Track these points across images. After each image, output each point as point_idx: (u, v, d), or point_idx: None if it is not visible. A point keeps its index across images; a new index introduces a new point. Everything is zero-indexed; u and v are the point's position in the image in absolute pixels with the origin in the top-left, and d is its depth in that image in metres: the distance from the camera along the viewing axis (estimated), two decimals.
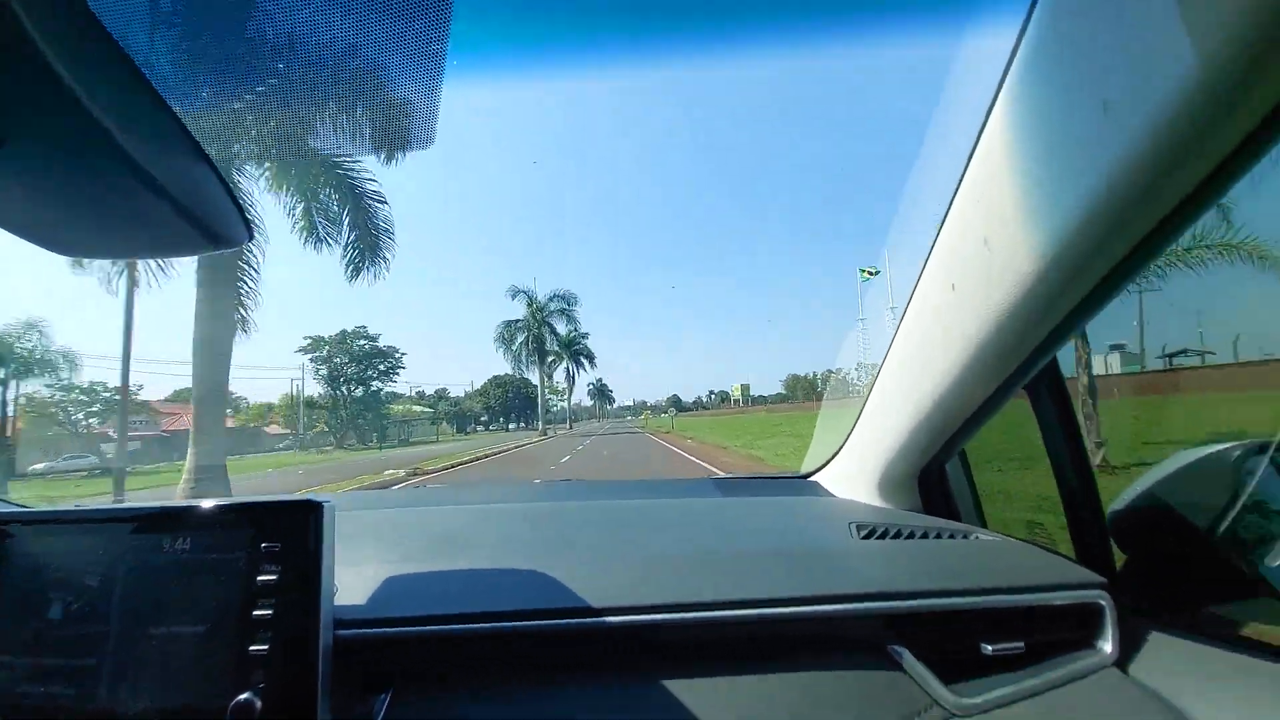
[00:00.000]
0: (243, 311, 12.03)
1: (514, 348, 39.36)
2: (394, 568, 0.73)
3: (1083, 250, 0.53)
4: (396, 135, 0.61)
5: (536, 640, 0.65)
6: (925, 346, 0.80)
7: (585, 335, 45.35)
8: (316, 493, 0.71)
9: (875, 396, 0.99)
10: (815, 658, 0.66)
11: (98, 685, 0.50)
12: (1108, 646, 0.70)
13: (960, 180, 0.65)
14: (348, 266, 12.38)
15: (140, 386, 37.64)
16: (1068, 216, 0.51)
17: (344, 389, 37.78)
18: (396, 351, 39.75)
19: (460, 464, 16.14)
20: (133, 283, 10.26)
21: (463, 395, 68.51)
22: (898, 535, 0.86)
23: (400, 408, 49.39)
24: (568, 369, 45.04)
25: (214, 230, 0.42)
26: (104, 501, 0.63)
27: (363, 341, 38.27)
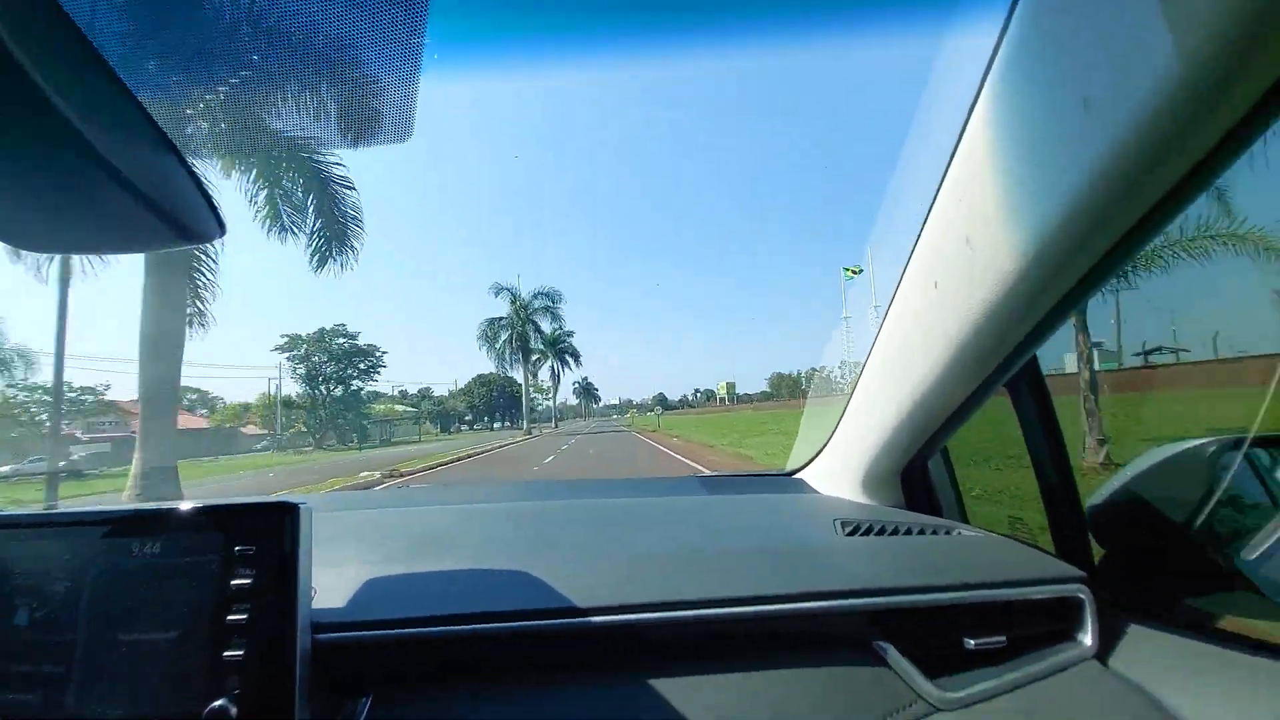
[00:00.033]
0: (200, 304, 11.41)
1: (498, 346, 38.98)
2: (375, 569, 0.72)
3: (1064, 247, 0.53)
4: (375, 129, 0.60)
5: (521, 641, 0.64)
6: (908, 345, 0.81)
7: (570, 333, 45.17)
8: (289, 495, 0.69)
9: (859, 394, 0.99)
10: (801, 654, 0.66)
11: (66, 693, 0.48)
12: (1087, 639, 0.71)
13: (942, 178, 0.66)
14: (313, 256, 11.75)
15: (106, 385, 36.38)
16: (1049, 214, 0.52)
17: (323, 388, 36.94)
18: (377, 350, 39.04)
19: (439, 465, 15.51)
20: (67, 271, 9.49)
21: (447, 394, 67.73)
22: (881, 532, 0.86)
23: (382, 407, 48.57)
24: (553, 367, 44.84)
25: (183, 224, 0.40)
26: (39, 507, 0.60)
27: (342, 340, 37.42)
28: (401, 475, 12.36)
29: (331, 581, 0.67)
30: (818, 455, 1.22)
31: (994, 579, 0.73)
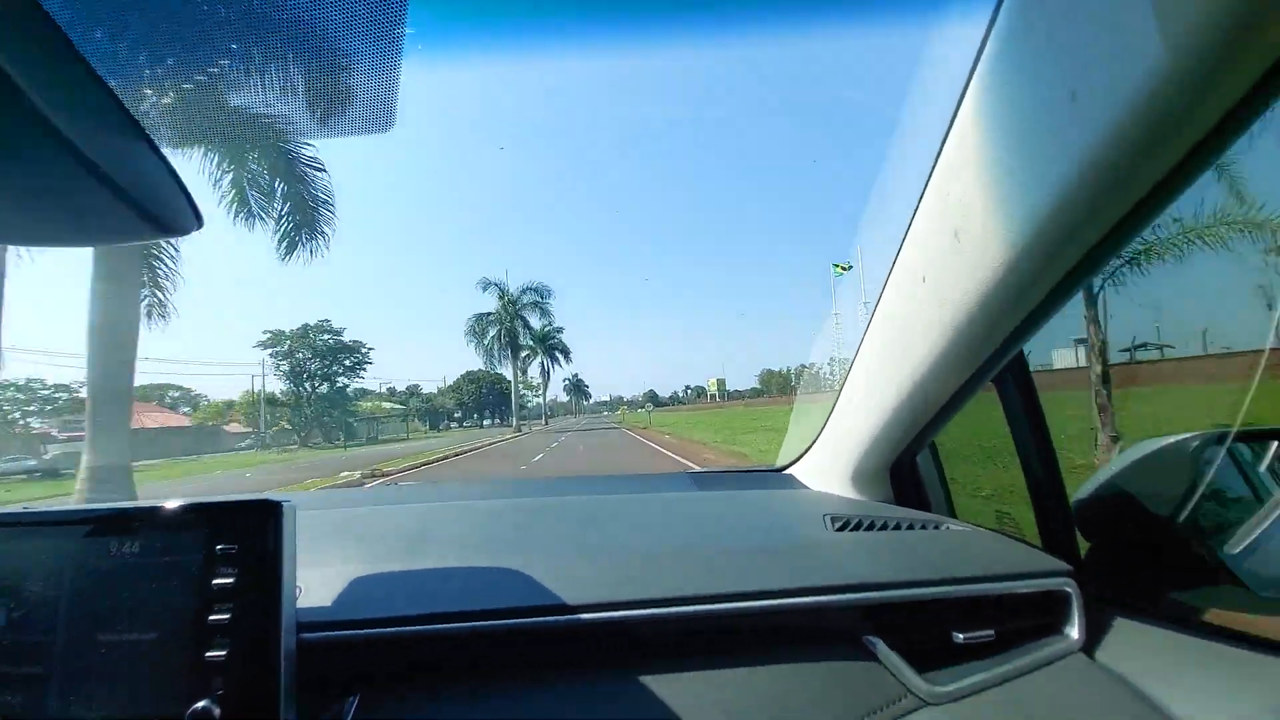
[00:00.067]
0: (160, 294, 10.66)
1: (486, 342, 38.65)
2: (362, 568, 0.71)
3: (1052, 240, 0.53)
4: (356, 118, 0.59)
5: (510, 639, 0.63)
6: (897, 339, 0.81)
7: (560, 330, 44.98)
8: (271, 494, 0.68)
9: (848, 389, 0.99)
10: (790, 649, 0.66)
11: (47, 694, 0.48)
12: (1074, 633, 0.72)
13: (931, 172, 0.65)
14: (280, 242, 10.97)
15: (81, 383, 35.40)
16: (1037, 206, 0.52)
17: (307, 385, 36.30)
18: (363, 346, 38.42)
19: (422, 464, 15.13)
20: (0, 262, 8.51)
21: (435, 392, 67.18)
22: (871, 527, 0.87)
23: (370, 405, 47.97)
24: (543, 364, 44.62)
25: (158, 217, 0.39)
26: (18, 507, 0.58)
27: (327, 336, 36.70)
28: (383, 475, 12.00)
29: (317, 580, 0.66)
30: (807, 451, 1.22)
31: (982, 573, 0.73)
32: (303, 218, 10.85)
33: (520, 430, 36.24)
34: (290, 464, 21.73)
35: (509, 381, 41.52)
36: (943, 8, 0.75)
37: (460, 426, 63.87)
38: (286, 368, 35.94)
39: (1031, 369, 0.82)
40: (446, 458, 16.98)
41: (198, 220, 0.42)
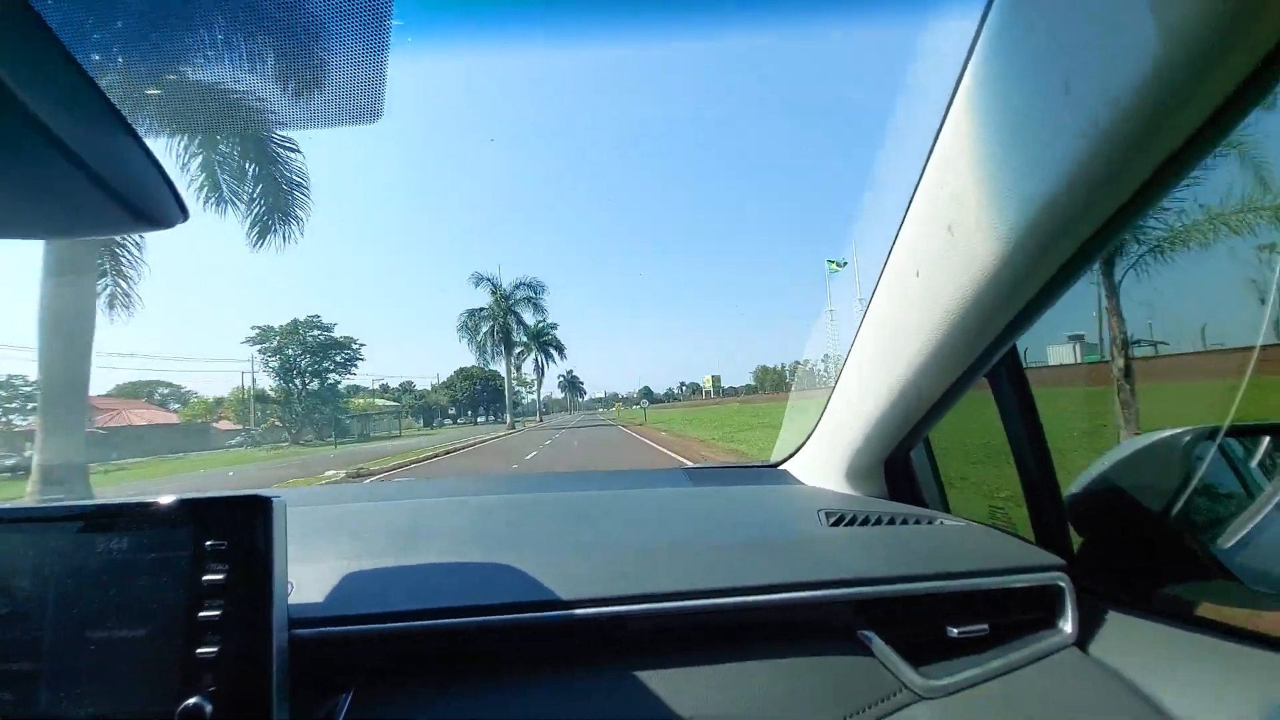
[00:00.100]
0: (123, 284, 10.05)
1: (479, 338, 38.42)
2: (354, 564, 0.70)
3: (1046, 233, 0.53)
4: (343, 108, 0.58)
5: (504, 635, 0.63)
6: (890, 334, 0.80)
7: (554, 326, 44.83)
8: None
9: (842, 385, 0.99)
10: (786, 644, 0.66)
11: (36, 692, 0.47)
12: (1068, 627, 0.72)
13: (925, 166, 0.65)
14: (252, 227, 10.33)
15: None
16: (1031, 200, 0.51)
17: (297, 382, 35.87)
18: (354, 342, 37.90)
19: (410, 463, 14.44)
20: None
21: (429, 388, 66.77)
22: (865, 522, 0.87)
23: (362, 401, 47.57)
24: (536, 360, 44.49)
25: (142, 209, 0.39)
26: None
27: (316, 331, 36.10)
28: (368, 475, 11.61)
29: (309, 576, 0.66)
30: (802, 446, 1.22)
31: (976, 568, 0.74)
32: (275, 201, 10.23)
33: (514, 427, 36.08)
34: (278, 462, 21.35)
35: (503, 378, 41.26)
36: (936, 2, 0.74)
37: (455, 423, 63.59)
38: (276, 364, 35.46)
39: (1037, 365, 0.82)
40: (436, 456, 16.52)
41: (183, 213, 0.42)
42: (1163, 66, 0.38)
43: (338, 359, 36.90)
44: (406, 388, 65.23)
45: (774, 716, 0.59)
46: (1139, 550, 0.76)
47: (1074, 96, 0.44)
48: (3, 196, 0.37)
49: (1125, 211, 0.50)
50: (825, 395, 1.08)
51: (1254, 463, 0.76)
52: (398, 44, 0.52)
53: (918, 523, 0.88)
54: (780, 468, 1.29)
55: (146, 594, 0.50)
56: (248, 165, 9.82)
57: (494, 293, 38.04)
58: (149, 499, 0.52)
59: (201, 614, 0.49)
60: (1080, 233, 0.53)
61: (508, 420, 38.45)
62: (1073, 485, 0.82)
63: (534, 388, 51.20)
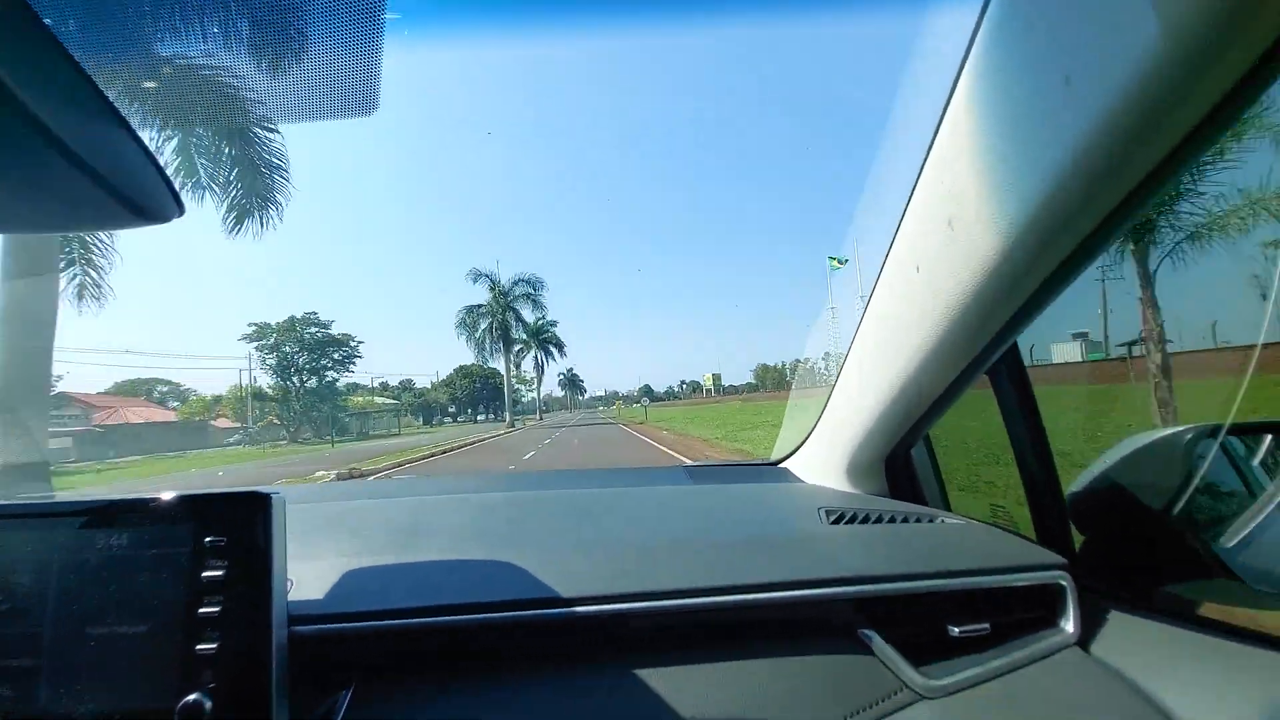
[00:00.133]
0: (92, 273, 9.54)
1: (477, 335, 38.29)
2: (354, 561, 0.70)
3: (1046, 228, 0.53)
4: (339, 100, 0.57)
5: (504, 632, 0.63)
6: (891, 331, 0.80)
7: (554, 323, 44.72)
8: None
9: (842, 382, 0.99)
10: (786, 643, 0.66)
11: (37, 688, 0.48)
12: (1069, 626, 0.72)
13: (925, 160, 0.65)
14: (229, 213, 9.76)
15: (58, 377, 34.62)
16: (1031, 194, 0.51)
17: (295, 379, 35.77)
18: (352, 340, 37.73)
19: (403, 463, 13.90)
20: None
21: (429, 386, 66.72)
22: (866, 520, 0.87)
23: (361, 399, 47.51)
24: (536, 358, 44.43)
25: (138, 203, 0.39)
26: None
27: (314, 329, 35.89)
28: (360, 475, 11.17)
29: (309, 573, 0.66)
30: (802, 444, 1.22)
31: (977, 566, 0.73)
32: (252, 183, 9.65)
33: (514, 426, 36.03)
34: (274, 460, 21.18)
35: (503, 376, 41.19)
36: None
37: (454, 421, 63.60)
38: (273, 361, 35.34)
39: (1042, 363, 0.82)
40: (431, 456, 16.07)
41: (179, 208, 0.42)
42: (1162, 62, 0.38)
43: (335, 356, 36.79)
44: (406, 386, 65.21)
45: (774, 715, 0.59)
46: (1141, 549, 0.76)
47: (1075, 88, 0.44)
48: (5, 192, 0.37)
49: (1125, 207, 0.50)
50: (826, 393, 1.08)
51: (1256, 461, 0.75)
52: (394, 37, 0.52)
53: (918, 521, 0.88)
54: (781, 466, 1.28)
55: (146, 590, 0.50)
56: (223, 146, 9.33)
57: (492, 289, 37.92)
58: (149, 495, 0.52)
59: (201, 610, 0.49)
60: (1080, 228, 0.52)
61: (507, 418, 38.42)
62: (1074, 484, 0.82)
63: (534, 386, 51.17)
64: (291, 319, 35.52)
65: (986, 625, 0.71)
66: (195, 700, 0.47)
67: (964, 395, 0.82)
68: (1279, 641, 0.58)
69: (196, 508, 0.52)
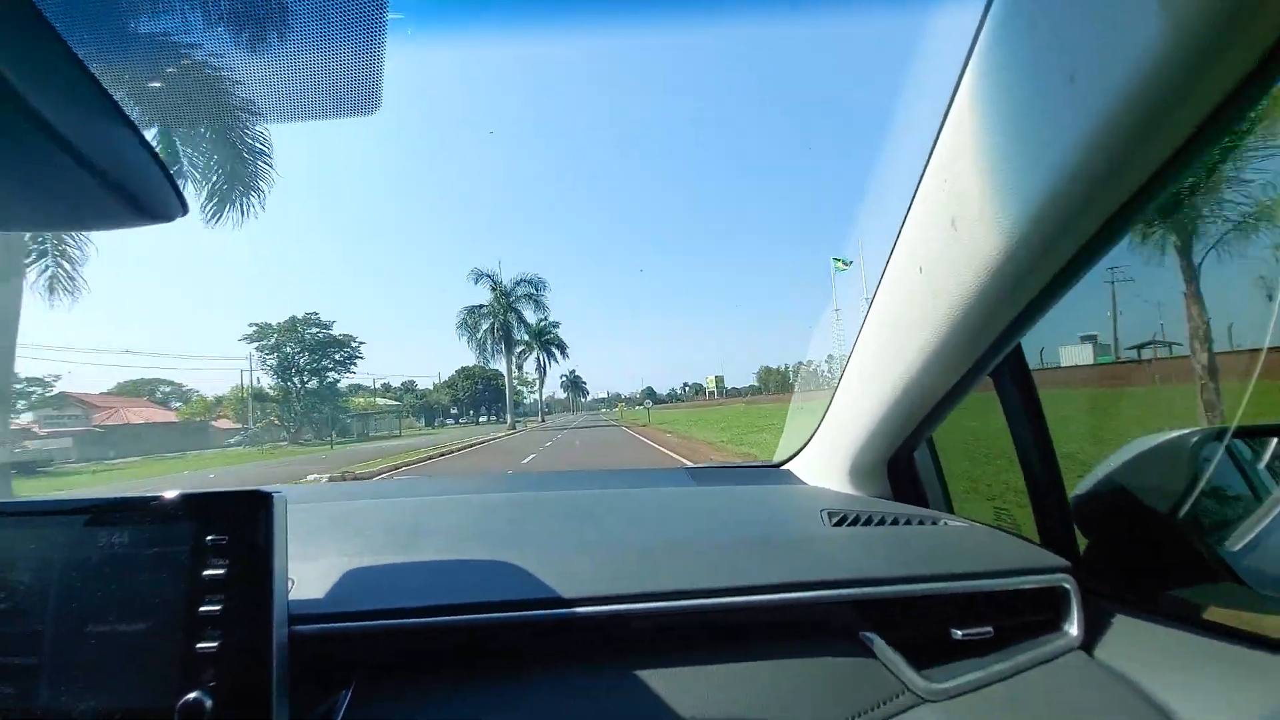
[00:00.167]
0: (65, 266, 9.08)
1: (479, 336, 38.29)
2: (355, 560, 0.70)
3: (1050, 227, 0.52)
4: (341, 99, 0.58)
5: (504, 632, 0.63)
6: (894, 332, 0.80)
7: (556, 324, 44.73)
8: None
9: (845, 384, 0.98)
10: (787, 645, 0.66)
11: (36, 686, 0.48)
12: (1073, 629, 0.72)
13: (928, 160, 0.65)
14: (210, 199, 9.39)
15: (56, 377, 34.74)
16: (1035, 193, 0.51)
17: (296, 380, 35.81)
18: (353, 340, 37.75)
19: (399, 466, 13.58)
20: None
21: (431, 388, 66.80)
22: (868, 522, 0.86)
23: (363, 400, 47.60)
24: (538, 359, 44.43)
25: (142, 202, 0.39)
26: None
27: (315, 329, 35.92)
28: (354, 478, 11.27)
29: (310, 573, 0.66)
30: (805, 446, 1.22)
31: (980, 569, 0.73)
32: (234, 168, 9.22)
33: (515, 428, 36.03)
34: (271, 461, 21.13)
35: (504, 377, 41.19)
36: None
37: (457, 423, 63.63)
38: (274, 362, 35.39)
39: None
40: (430, 458, 15.86)
41: (183, 207, 0.42)
42: (1170, 55, 0.38)
43: (336, 357, 36.83)
44: (408, 387, 65.36)
45: (775, 717, 0.59)
46: (1145, 552, 0.75)
47: (1079, 86, 0.44)
48: (4, 190, 0.37)
49: (1128, 208, 0.49)
50: (829, 395, 1.08)
51: (1262, 465, 0.75)
52: (396, 36, 0.52)
53: (921, 523, 0.88)
54: (783, 468, 1.28)
55: (147, 589, 0.50)
56: (202, 129, 8.74)
57: (494, 289, 37.95)
58: (151, 494, 0.52)
59: (202, 609, 0.49)
60: (1084, 228, 0.52)
61: (508, 420, 38.41)
62: (1079, 486, 0.81)
63: (536, 387, 51.19)
64: (292, 319, 35.59)
65: (989, 628, 0.71)
66: (196, 699, 0.47)
67: (968, 398, 0.82)
68: None
69: (198, 506, 0.52)
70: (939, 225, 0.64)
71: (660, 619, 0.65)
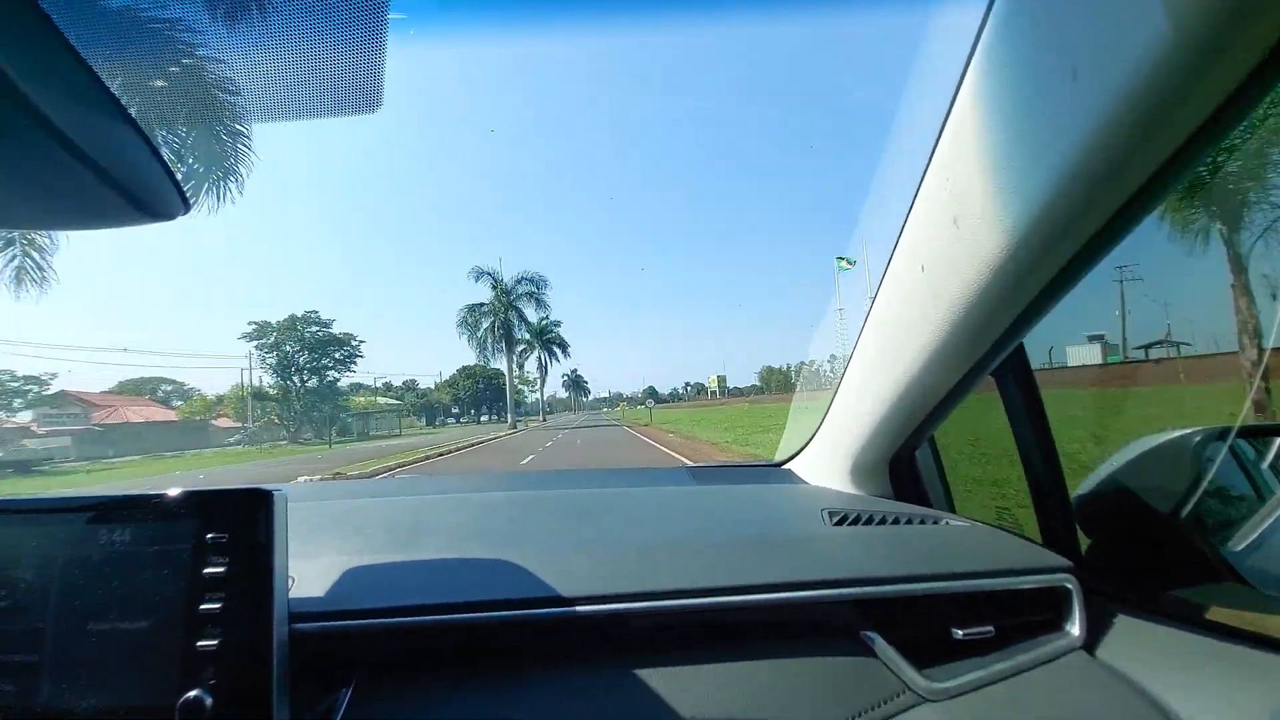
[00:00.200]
0: (33, 257, 9.19)
1: (479, 334, 38.22)
2: (355, 559, 0.70)
3: (1052, 226, 0.52)
4: (342, 97, 0.58)
5: (504, 631, 0.63)
6: (896, 331, 0.80)
7: (558, 323, 44.69)
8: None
9: (847, 383, 0.98)
10: (788, 644, 0.66)
11: (37, 683, 0.48)
12: (1075, 629, 0.71)
13: (930, 159, 0.64)
14: (185, 182, 9.67)
15: (53, 375, 34.71)
16: (1036, 192, 0.51)
17: (296, 379, 35.76)
18: (353, 339, 37.58)
19: (394, 467, 13.09)
20: None
21: (432, 387, 66.83)
22: (869, 521, 0.86)
23: (363, 399, 47.57)
24: (540, 358, 44.38)
25: (143, 200, 0.39)
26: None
27: (315, 328, 35.78)
28: (347, 479, 10.77)
29: (310, 571, 0.66)
30: (806, 445, 1.22)
31: (981, 569, 0.73)
32: (211, 150, 8.97)
33: (516, 427, 36.02)
34: (268, 461, 20.99)
35: (505, 377, 41.14)
36: None
37: (458, 422, 63.67)
38: (274, 360, 35.32)
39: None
40: (428, 458, 15.48)
41: (184, 205, 0.42)
42: (1173, 52, 0.38)
43: (336, 355, 36.77)
44: (410, 386, 65.47)
45: (775, 716, 0.59)
46: (1147, 552, 0.75)
47: (1082, 83, 0.43)
48: (5, 189, 0.37)
49: (1129, 207, 0.49)
50: (830, 394, 1.07)
51: (1266, 464, 0.75)
52: (397, 35, 0.52)
53: (922, 523, 0.88)
54: (784, 467, 1.28)
55: (148, 586, 0.50)
56: (203, 129, 9.09)
57: (495, 287, 37.90)
58: (152, 491, 0.52)
59: (202, 607, 0.49)
60: (1086, 228, 0.52)
61: (509, 419, 38.39)
62: (1081, 486, 0.81)
63: (537, 387, 51.15)
64: (292, 318, 35.54)
65: (990, 628, 0.70)
66: (196, 697, 0.47)
67: (970, 397, 0.81)
68: None
69: (199, 504, 0.52)
70: (941, 224, 0.64)
71: (660, 618, 0.65)
